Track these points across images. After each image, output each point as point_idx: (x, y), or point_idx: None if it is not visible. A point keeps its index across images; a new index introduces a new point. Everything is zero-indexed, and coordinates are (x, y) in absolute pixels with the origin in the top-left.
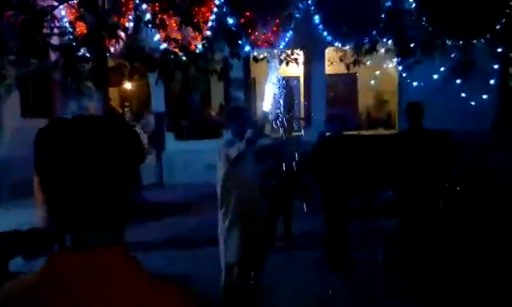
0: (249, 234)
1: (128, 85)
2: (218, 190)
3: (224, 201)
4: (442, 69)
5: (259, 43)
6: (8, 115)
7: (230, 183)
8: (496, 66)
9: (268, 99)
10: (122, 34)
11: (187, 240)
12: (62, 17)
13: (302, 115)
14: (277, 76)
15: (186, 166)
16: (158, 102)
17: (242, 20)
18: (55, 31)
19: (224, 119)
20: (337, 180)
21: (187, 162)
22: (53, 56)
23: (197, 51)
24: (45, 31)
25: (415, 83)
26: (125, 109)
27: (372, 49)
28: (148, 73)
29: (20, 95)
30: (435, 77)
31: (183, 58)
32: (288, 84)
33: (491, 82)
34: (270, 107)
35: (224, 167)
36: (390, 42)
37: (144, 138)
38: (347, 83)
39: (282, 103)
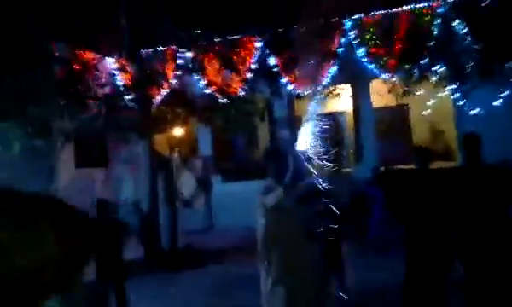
0: (296, 293)
1: (177, 131)
2: (259, 242)
3: (265, 256)
4: (503, 94)
5: (302, 80)
6: (63, 165)
7: (271, 236)
8: None
9: (304, 138)
10: (164, 83)
11: (234, 292)
12: (105, 68)
13: (351, 151)
14: (316, 113)
15: (234, 209)
16: (205, 146)
17: (283, 60)
18: (97, 82)
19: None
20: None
21: (235, 204)
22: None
23: (237, 93)
24: (87, 82)
25: (473, 112)
26: (175, 154)
27: (422, 78)
28: (193, 118)
29: (74, 145)
30: (496, 103)
31: (223, 100)
32: (334, 120)
33: None
34: (306, 146)
35: (263, 217)
36: (443, 68)
37: (193, 182)
38: (398, 115)
39: (327, 140)
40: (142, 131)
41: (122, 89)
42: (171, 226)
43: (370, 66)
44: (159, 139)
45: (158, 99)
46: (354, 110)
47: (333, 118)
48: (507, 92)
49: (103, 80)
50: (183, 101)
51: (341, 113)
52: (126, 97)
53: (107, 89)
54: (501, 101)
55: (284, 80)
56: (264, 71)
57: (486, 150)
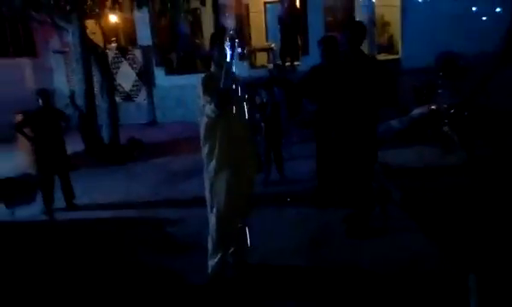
0: (239, 177)
1: (113, 18)
2: (202, 130)
3: (207, 140)
4: None
5: None
6: None
7: (214, 126)
8: None
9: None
10: None
11: (180, 181)
12: None
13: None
14: None
15: (179, 102)
16: (144, 36)
17: None
18: None
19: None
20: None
21: (179, 98)
22: None
23: None
24: None
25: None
26: (112, 44)
27: None
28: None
29: None
30: None
31: None
32: (290, 9)
33: None
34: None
35: (206, 105)
36: None
37: (133, 74)
38: (345, 4)
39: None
40: (69, 13)
41: None
42: (111, 120)
43: None
44: (92, 27)
45: None
46: None
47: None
48: None
49: None
50: None
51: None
52: None
53: None
54: None
55: None
56: None
57: (431, 40)
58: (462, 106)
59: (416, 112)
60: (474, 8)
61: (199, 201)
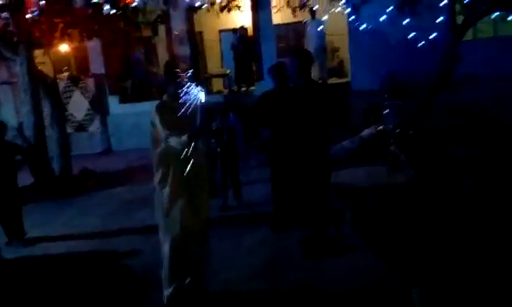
0: (194, 203)
1: (64, 47)
2: (155, 157)
3: (160, 167)
4: (390, 9)
5: None
6: None
7: (168, 152)
8: (445, 1)
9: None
10: None
11: (135, 211)
12: None
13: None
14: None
15: (133, 130)
16: (97, 64)
17: None
18: None
19: (163, 77)
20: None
21: (134, 126)
22: None
23: (128, 2)
24: None
25: (362, 27)
26: (63, 74)
27: None
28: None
29: None
30: (383, 18)
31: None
32: (242, 36)
33: (440, 19)
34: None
35: (159, 133)
36: None
37: (85, 104)
38: (296, 32)
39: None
40: (16, 44)
41: None
42: (62, 151)
43: None
44: (42, 57)
45: (33, 6)
46: (254, 25)
47: (236, 33)
48: (392, 6)
49: None
50: (61, 9)
51: (242, 29)
52: None
53: None
54: (385, 16)
55: None
56: None
57: (377, 63)
58: (407, 125)
59: (366, 132)
60: (413, 33)
61: (156, 230)
